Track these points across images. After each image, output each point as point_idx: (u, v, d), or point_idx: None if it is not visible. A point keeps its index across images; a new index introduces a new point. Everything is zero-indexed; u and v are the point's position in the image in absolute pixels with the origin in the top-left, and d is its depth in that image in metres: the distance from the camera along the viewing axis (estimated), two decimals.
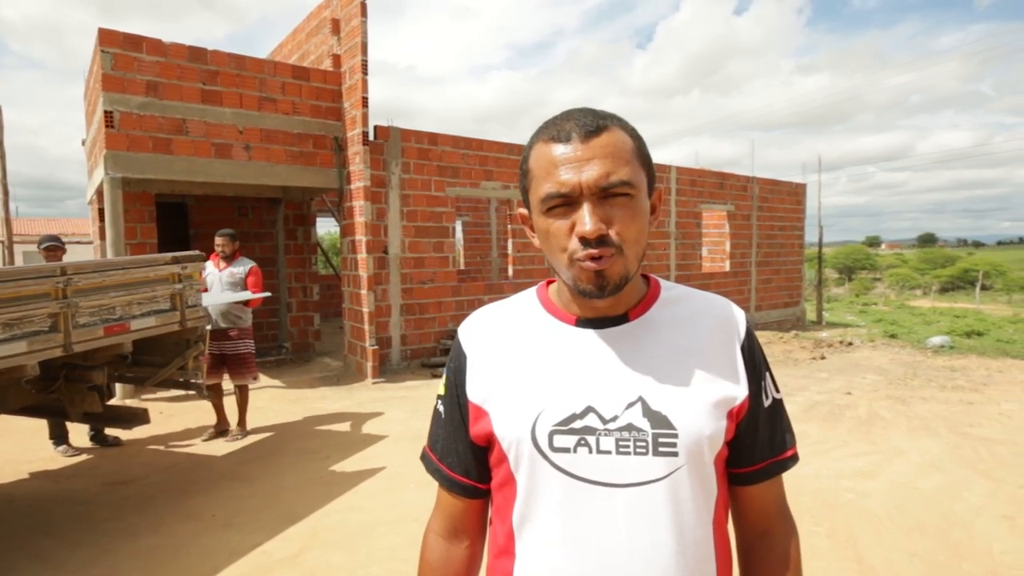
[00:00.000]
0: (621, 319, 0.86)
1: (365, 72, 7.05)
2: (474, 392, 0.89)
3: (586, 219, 0.76)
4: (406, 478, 4.10)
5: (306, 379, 7.39)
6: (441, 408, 0.95)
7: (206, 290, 4.98)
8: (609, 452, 0.80)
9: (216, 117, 6.59)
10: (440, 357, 8.13)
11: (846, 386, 6.96)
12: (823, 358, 9.08)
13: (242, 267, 5.13)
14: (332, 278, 12.85)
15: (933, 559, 3.04)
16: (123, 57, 6.06)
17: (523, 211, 0.90)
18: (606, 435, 0.80)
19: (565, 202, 0.78)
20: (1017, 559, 3.03)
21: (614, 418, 0.81)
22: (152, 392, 6.34)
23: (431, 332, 8.26)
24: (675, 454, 0.80)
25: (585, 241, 0.77)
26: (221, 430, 5.19)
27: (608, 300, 0.83)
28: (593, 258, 0.77)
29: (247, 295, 4.96)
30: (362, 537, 3.33)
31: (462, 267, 15.40)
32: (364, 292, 7.37)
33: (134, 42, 6.13)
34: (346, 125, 7.47)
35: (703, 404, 0.82)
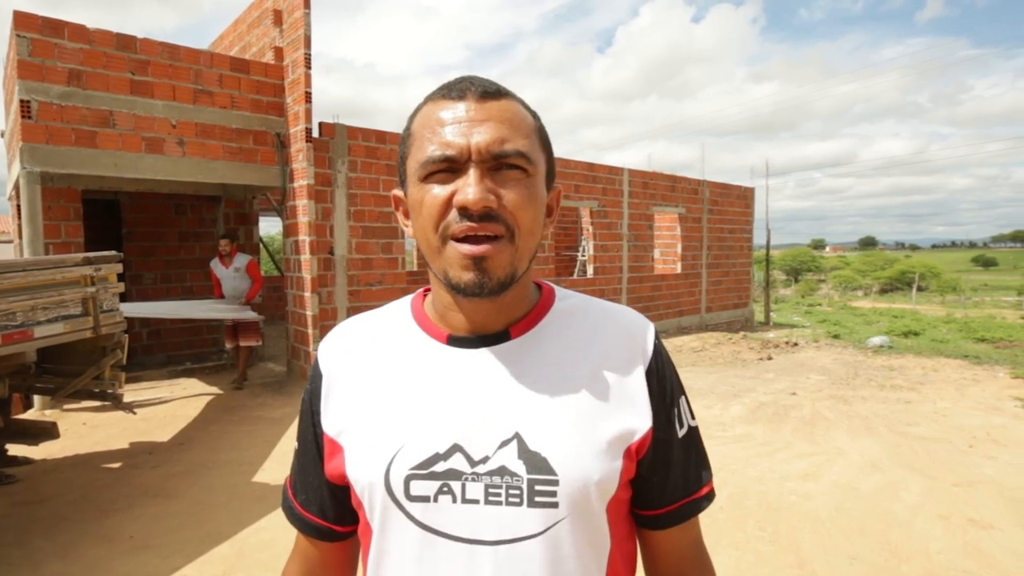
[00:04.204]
0: (502, 336, 0.72)
1: (308, 66, 6.78)
2: (329, 423, 0.75)
3: (470, 187, 0.63)
4: None
5: (246, 385, 7.06)
6: (305, 436, 0.80)
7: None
8: (477, 501, 0.66)
9: (146, 109, 6.22)
10: None
11: (791, 386, 7.09)
12: (770, 359, 9.26)
13: (242, 262, 6.76)
14: (278, 279, 12.42)
15: (873, 561, 3.05)
16: (42, 43, 5.64)
17: (397, 192, 0.74)
18: (474, 480, 0.66)
19: (448, 168, 0.65)
20: (952, 558, 3.08)
21: (484, 459, 0.67)
22: (76, 402, 5.93)
23: None
24: (554, 504, 0.66)
25: (466, 214, 0.63)
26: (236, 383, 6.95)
27: (486, 305, 0.69)
28: (472, 237, 0.63)
29: (252, 315, 6.59)
30: None
31: (415, 269, 15.16)
32: (307, 294, 7.10)
33: (54, 27, 5.72)
34: (289, 121, 7.18)
35: (592, 443, 0.68)
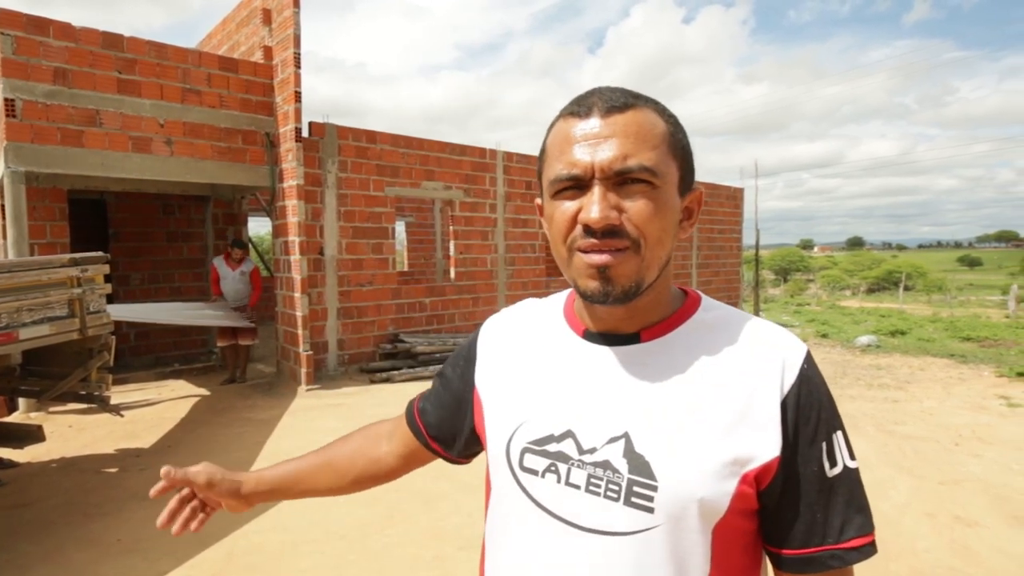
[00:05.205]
0: (632, 338, 0.74)
1: (298, 65, 6.74)
2: (480, 380, 0.87)
3: (594, 204, 0.65)
4: None
5: (236, 387, 7.02)
6: (449, 373, 0.94)
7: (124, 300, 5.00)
8: (578, 487, 0.70)
9: (134, 108, 6.16)
10: (380, 362, 7.88)
11: None
12: None
13: (248, 267, 7.13)
14: (267, 280, 12.34)
15: None
16: (26, 41, 5.58)
17: (539, 201, 0.79)
18: (579, 467, 0.71)
19: (575, 185, 0.68)
20: (939, 556, 3.11)
21: (592, 450, 0.70)
22: (62, 404, 5.86)
23: (370, 336, 8.01)
24: (650, 510, 0.66)
25: (589, 231, 0.66)
26: (230, 379, 7.13)
27: (617, 310, 0.72)
28: (596, 250, 0.66)
29: (247, 324, 6.98)
30: (282, 559, 3.12)
31: (406, 269, 15.11)
32: (297, 295, 7.06)
33: (39, 25, 5.65)
34: (278, 121, 7.13)
35: (703, 459, 0.66)
